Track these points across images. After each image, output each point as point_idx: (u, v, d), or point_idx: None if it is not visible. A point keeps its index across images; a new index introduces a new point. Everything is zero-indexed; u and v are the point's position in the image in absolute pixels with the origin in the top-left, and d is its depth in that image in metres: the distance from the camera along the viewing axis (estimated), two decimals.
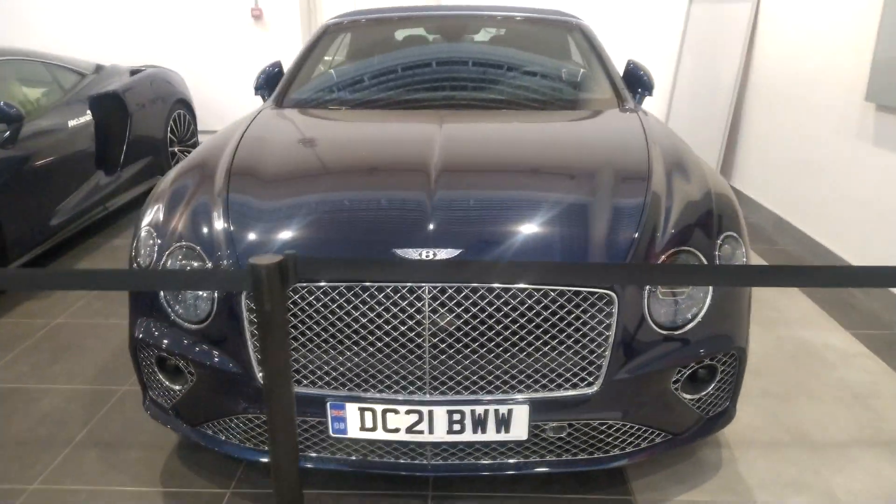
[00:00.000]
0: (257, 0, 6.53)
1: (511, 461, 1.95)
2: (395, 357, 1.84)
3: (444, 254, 1.84)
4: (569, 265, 1.53)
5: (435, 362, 1.83)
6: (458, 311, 1.81)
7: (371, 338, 1.84)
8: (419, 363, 1.83)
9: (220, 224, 2.04)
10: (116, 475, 2.24)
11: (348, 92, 3.19)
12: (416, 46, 3.57)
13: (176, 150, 5.46)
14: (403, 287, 1.80)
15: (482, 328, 1.82)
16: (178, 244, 2.04)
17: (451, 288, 1.80)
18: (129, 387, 2.73)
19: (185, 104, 5.67)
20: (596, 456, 1.97)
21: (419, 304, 1.80)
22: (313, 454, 1.99)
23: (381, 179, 2.22)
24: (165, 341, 2.02)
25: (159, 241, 2.08)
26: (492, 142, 2.51)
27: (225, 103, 6.80)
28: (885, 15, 3.33)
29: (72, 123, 4.15)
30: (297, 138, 2.61)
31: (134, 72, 5.22)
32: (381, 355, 1.84)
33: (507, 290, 1.80)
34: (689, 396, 2.02)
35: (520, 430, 1.87)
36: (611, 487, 2.15)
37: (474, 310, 1.81)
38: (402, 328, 1.82)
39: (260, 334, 1.47)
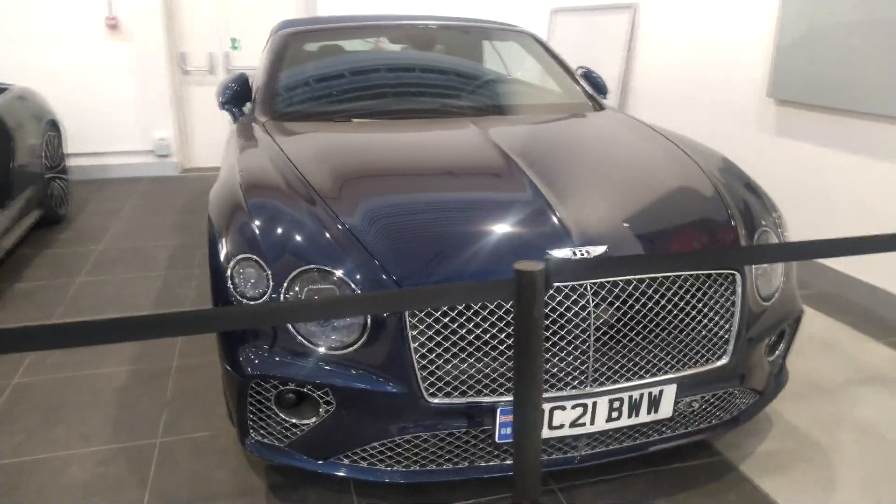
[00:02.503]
0: (112, 8, 5.94)
1: (649, 439, 2.08)
2: (562, 354, 1.89)
3: (595, 251, 1.93)
4: (710, 252, 1.74)
5: (597, 355, 1.91)
6: (618, 303, 1.91)
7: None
8: (583, 357, 1.90)
9: (352, 244, 1.95)
10: None
11: (346, 102, 3.10)
12: (389, 56, 3.54)
13: (49, 177, 4.82)
14: (566, 286, 1.87)
15: (637, 317, 1.94)
16: (304, 268, 1.91)
17: (608, 282, 1.90)
18: (164, 438, 2.45)
19: (55, 125, 5.03)
20: (714, 423, 2.17)
21: (583, 301, 1.87)
22: (464, 464, 1.97)
23: (487, 186, 2.24)
24: (298, 373, 1.88)
25: (271, 270, 1.93)
26: (545, 143, 2.62)
27: (90, 122, 6.11)
28: (782, 24, 3.93)
29: None
30: (352, 152, 2.51)
31: None
32: (547, 355, 1.89)
33: (654, 279, 1.94)
34: (769, 359, 2.29)
35: (667, 408, 2.01)
36: (701, 453, 2.37)
37: (630, 300, 1.92)
38: (569, 326, 1.88)
39: (520, 342, 1.47)
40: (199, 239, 4.59)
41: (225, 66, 6.58)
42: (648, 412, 1.99)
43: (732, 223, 2.18)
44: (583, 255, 1.91)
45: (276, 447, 2.02)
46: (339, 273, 1.90)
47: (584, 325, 1.88)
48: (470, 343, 1.85)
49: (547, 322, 1.87)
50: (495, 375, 1.88)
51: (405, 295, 1.43)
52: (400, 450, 1.94)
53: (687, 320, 2.00)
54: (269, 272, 1.93)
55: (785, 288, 2.26)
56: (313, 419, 1.95)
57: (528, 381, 1.51)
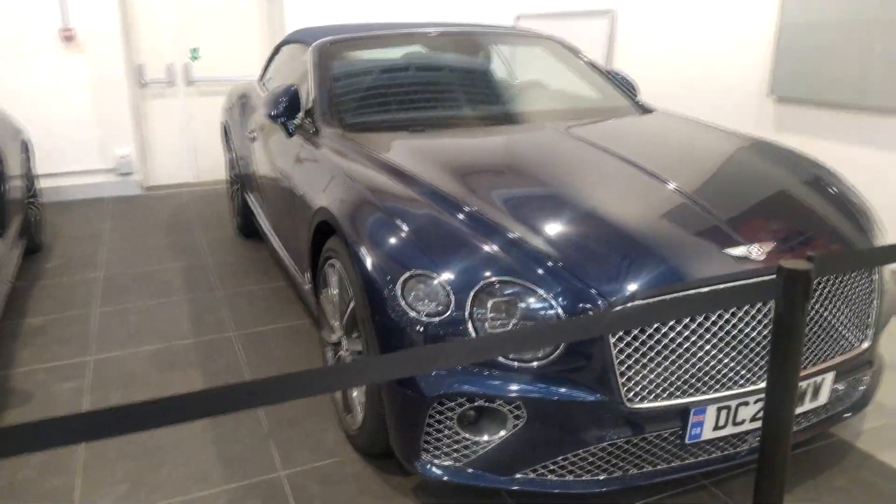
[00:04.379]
0: (67, 19, 5.53)
1: (800, 426, 2.15)
2: (741, 349, 1.92)
3: (766, 247, 1.98)
4: (866, 251, 1.85)
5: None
6: None
7: (722, 333, 1.90)
8: (762, 351, 1.95)
9: (528, 253, 1.92)
10: None
11: (413, 111, 3.04)
12: (437, 62, 3.48)
13: (28, 201, 4.43)
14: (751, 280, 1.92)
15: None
16: (489, 280, 1.85)
17: None
18: (287, 471, 2.31)
19: (27, 146, 4.63)
20: (850, 404, 2.28)
21: None
22: (648, 468, 1.98)
23: (628, 187, 2.25)
24: (488, 388, 1.84)
25: (450, 285, 1.86)
26: (644, 143, 2.67)
27: (47, 141, 5.65)
28: (781, 25, 4.16)
29: None
30: (467, 159, 2.47)
31: None
32: (734, 351, 1.92)
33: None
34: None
35: (825, 394, 2.09)
36: (818, 436, 2.47)
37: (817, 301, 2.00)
38: (748, 318, 1.92)
39: (780, 339, 1.50)
40: (204, 261, 4.35)
41: (185, 77, 6.27)
42: (811, 400, 2.07)
43: (857, 213, 2.30)
44: (758, 252, 1.96)
45: (453, 467, 1.95)
46: (526, 283, 1.85)
47: (767, 320, 1.93)
48: (666, 346, 1.86)
49: (721, 321, 1.90)
50: (688, 377, 1.89)
51: (659, 306, 1.42)
52: (591, 458, 1.92)
53: (842, 308, 2.09)
54: (449, 287, 1.87)
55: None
56: (501, 434, 1.89)
57: (786, 377, 1.54)
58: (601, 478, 1.94)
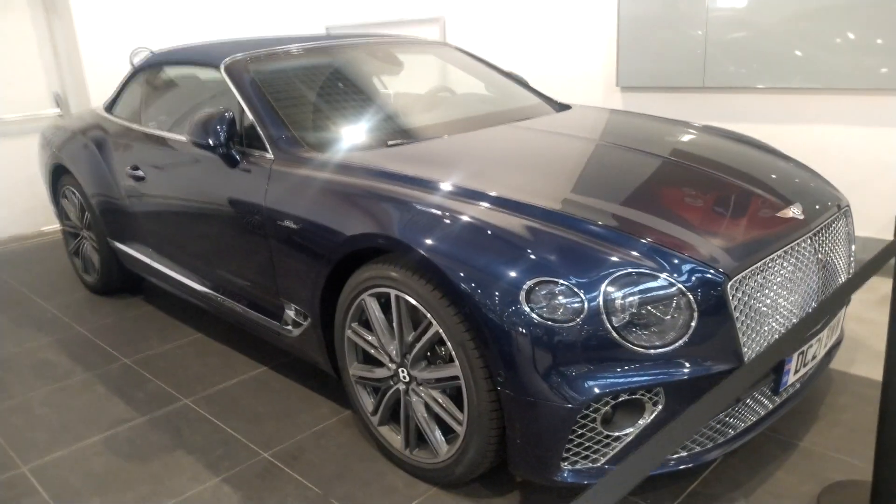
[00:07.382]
0: None
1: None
2: (809, 300, 2.16)
3: (798, 208, 2.24)
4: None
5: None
6: (824, 244, 2.27)
7: (793, 285, 2.12)
8: (815, 297, 2.20)
9: (634, 242, 1.95)
10: None
11: (373, 126, 2.87)
12: (359, 76, 3.29)
13: None
14: (805, 235, 2.17)
15: (830, 251, 2.31)
16: (619, 273, 1.86)
17: (821, 228, 2.26)
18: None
19: None
20: (840, 336, 2.65)
21: (812, 247, 2.18)
22: (751, 419, 2.12)
23: (654, 168, 2.40)
24: (630, 382, 1.85)
25: (578, 287, 1.84)
26: (617, 132, 2.84)
27: None
28: (620, 23, 4.64)
29: None
30: (503, 164, 2.44)
31: None
32: (799, 299, 2.14)
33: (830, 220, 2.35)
34: None
35: (840, 326, 2.43)
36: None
37: (827, 241, 2.29)
38: (806, 270, 2.16)
39: None
40: (74, 330, 3.67)
41: None
42: (834, 333, 2.39)
43: (806, 167, 2.72)
44: (798, 210, 2.22)
45: (594, 469, 1.93)
46: (643, 270, 1.88)
47: (815, 268, 2.19)
48: (767, 305, 2.02)
49: (793, 268, 2.13)
50: (792, 328, 2.06)
51: (813, 316, 1.57)
52: (716, 425, 2.02)
53: (840, 249, 2.42)
54: (576, 288, 1.84)
55: None
56: (640, 423, 1.91)
57: None
58: (720, 441, 2.05)
